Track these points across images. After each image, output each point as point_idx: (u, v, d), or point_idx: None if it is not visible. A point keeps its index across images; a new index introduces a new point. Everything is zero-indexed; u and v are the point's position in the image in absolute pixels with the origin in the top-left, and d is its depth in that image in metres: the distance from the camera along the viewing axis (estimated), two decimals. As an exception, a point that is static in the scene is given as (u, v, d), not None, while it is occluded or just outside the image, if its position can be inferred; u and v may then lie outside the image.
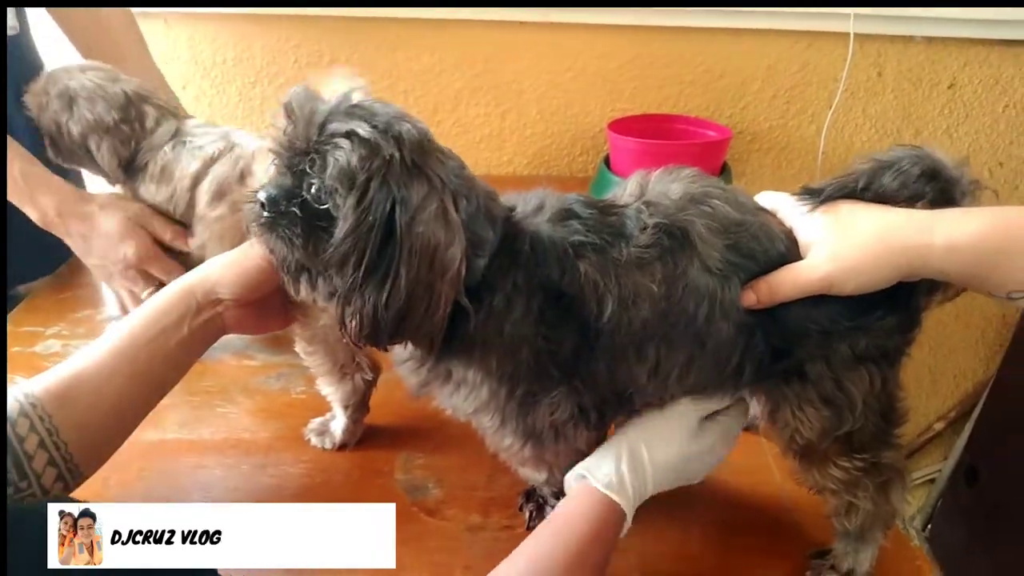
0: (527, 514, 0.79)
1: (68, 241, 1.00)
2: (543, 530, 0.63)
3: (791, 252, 0.64)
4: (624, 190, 0.68)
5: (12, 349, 1.04)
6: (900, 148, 0.65)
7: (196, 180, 0.94)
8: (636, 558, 0.75)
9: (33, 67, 1.11)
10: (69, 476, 0.64)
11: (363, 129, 0.54)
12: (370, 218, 0.54)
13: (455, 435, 0.91)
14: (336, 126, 0.55)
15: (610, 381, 0.65)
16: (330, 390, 0.85)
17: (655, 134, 1.52)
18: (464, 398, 0.67)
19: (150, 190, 0.98)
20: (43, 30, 1.21)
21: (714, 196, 0.64)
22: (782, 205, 0.67)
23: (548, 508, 0.78)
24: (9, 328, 1.09)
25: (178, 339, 0.71)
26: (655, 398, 0.69)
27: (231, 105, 1.66)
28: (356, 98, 0.57)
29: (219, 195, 0.93)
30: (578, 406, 0.66)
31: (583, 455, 0.69)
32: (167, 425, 0.92)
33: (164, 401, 0.94)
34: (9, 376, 0.93)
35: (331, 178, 0.54)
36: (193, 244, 0.97)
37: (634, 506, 0.65)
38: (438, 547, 0.75)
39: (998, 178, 1.75)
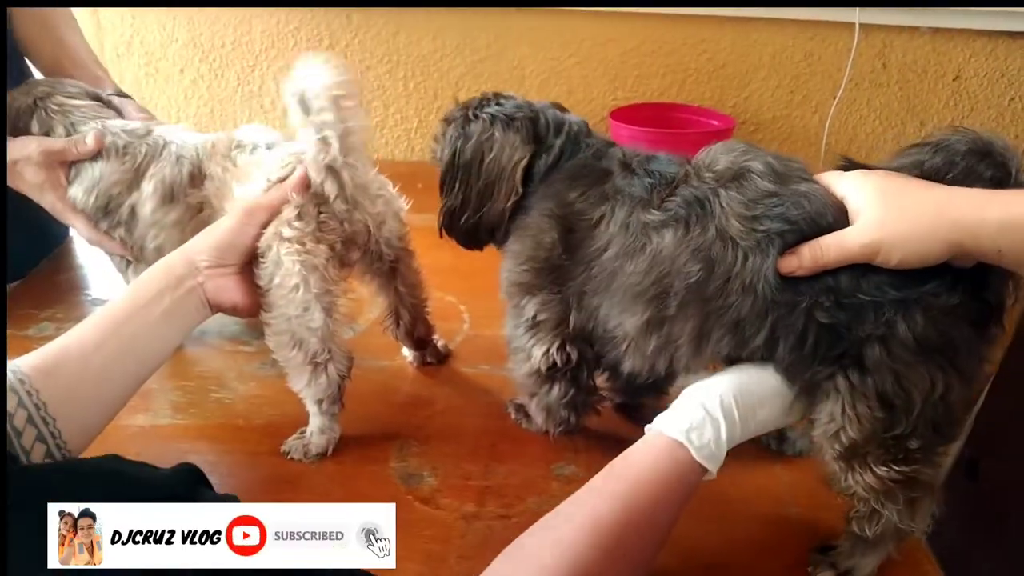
0: (520, 423, 0.89)
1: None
2: (617, 485, 0.61)
3: (839, 221, 0.61)
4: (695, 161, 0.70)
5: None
6: (946, 130, 0.63)
7: (130, 184, 0.92)
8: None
9: None
10: (58, 452, 0.63)
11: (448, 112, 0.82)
12: (447, 151, 0.80)
13: (451, 424, 0.91)
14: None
15: (604, 321, 0.72)
16: (302, 385, 0.82)
17: (658, 123, 1.51)
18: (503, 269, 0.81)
19: (78, 195, 0.94)
20: None
21: (754, 171, 0.64)
22: (831, 177, 0.65)
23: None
24: (2, 311, 1.08)
25: (161, 310, 0.72)
26: (661, 366, 0.70)
27: (229, 89, 1.65)
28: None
29: (168, 198, 0.90)
30: (566, 330, 0.76)
31: (541, 376, 0.78)
32: (160, 410, 0.91)
33: (156, 386, 0.95)
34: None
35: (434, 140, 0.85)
36: (150, 247, 0.93)
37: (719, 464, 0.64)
38: (432, 536, 0.75)
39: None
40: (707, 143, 1.40)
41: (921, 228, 0.57)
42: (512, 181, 0.77)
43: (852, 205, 0.62)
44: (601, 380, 0.85)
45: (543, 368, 0.78)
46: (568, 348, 0.77)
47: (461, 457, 0.85)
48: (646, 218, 0.67)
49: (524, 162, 0.77)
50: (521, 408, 0.89)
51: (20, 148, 0.92)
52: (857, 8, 1.50)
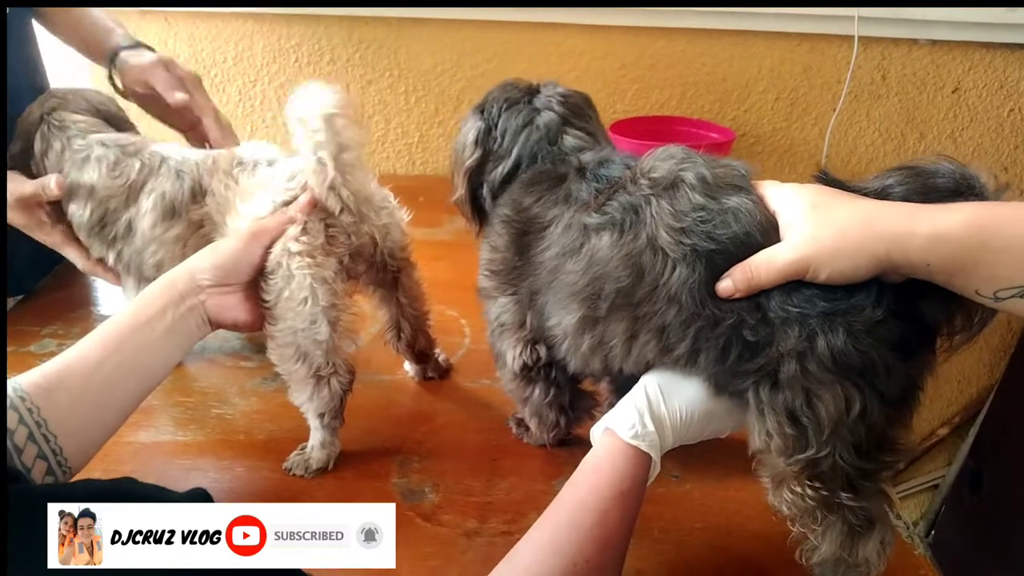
0: (522, 437, 0.90)
1: None
2: (567, 490, 0.63)
3: (768, 238, 0.61)
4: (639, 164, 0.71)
5: (8, 348, 1.03)
6: (928, 158, 0.61)
7: (126, 199, 0.92)
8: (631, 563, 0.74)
9: None
10: (59, 469, 0.63)
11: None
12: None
13: (452, 439, 0.90)
14: None
15: (548, 318, 0.73)
16: (304, 398, 0.82)
17: (657, 136, 1.51)
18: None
19: (75, 211, 0.94)
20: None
21: (686, 181, 0.64)
22: (768, 188, 0.65)
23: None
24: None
25: (163, 328, 0.72)
26: (597, 365, 0.72)
27: (231, 104, 1.66)
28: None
29: (169, 214, 0.90)
30: (526, 331, 0.78)
31: (518, 378, 0.80)
32: (162, 426, 0.91)
33: (158, 402, 0.95)
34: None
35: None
36: (149, 262, 0.92)
37: (660, 452, 0.65)
38: (434, 552, 0.74)
39: (1001, 182, 1.73)
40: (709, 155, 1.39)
41: (850, 243, 0.57)
42: (459, 178, 0.83)
43: (783, 219, 0.61)
44: (603, 385, 0.85)
45: (516, 369, 0.80)
46: (536, 347, 0.78)
47: (462, 473, 0.85)
48: (586, 220, 0.68)
49: (470, 163, 0.82)
50: (522, 422, 0.89)
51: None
52: (856, 20, 1.50)
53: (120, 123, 1.02)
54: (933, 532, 1.95)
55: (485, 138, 0.81)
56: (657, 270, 0.63)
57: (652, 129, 1.53)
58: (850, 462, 0.61)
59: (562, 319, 0.71)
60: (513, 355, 0.80)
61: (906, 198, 0.59)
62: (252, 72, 1.63)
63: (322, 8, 1.54)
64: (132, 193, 0.91)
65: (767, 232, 0.62)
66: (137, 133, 1.02)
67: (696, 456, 0.89)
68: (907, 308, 0.59)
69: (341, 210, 0.78)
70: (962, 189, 0.58)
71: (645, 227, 0.64)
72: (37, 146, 0.95)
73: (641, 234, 0.64)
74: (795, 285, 0.60)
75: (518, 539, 0.75)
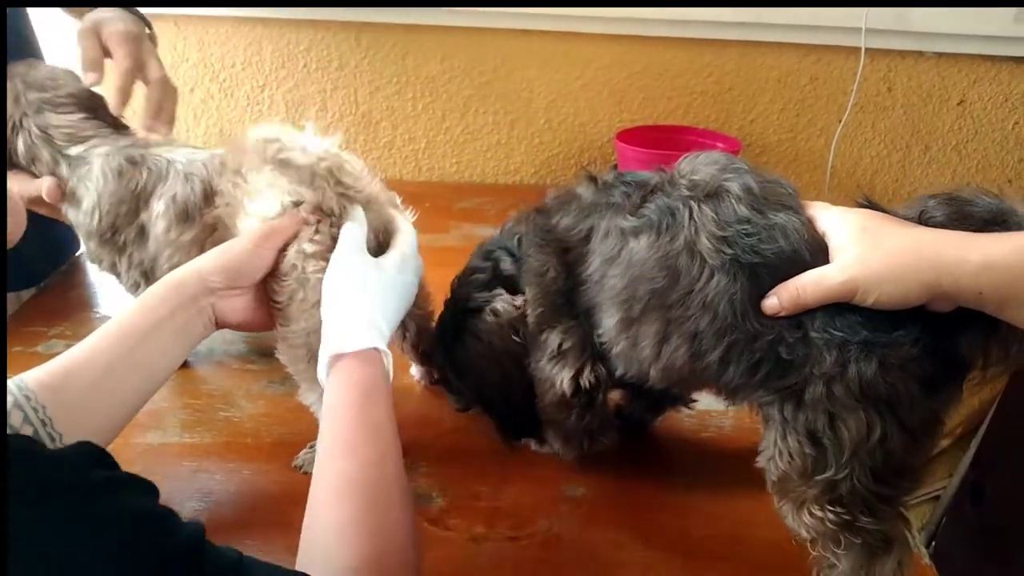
0: (530, 445, 0.89)
1: None
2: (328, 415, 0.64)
3: (816, 259, 0.61)
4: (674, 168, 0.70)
5: (14, 349, 1.03)
6: (968, 190, 0.61)
7: (137, 205, 0.90)
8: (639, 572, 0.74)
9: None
10: None
11: None
12: None
13: (460, 445, 0.90)
14: None
15: (598, 326, 0.72)
16: (314, 398, 0.82)
17: (664, 145, 1.51)
18: None
19: (78, 219, 0.92)
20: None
21: (731, 191, 0.64)
22: (818, 210, 0.64)
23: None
24: (11, 327, 1.09)
25: (171, 329, 0.71)
26: (636, 368, 0.71)
27: (239, 109, 1.66)
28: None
29: (183, 217, 0.89)
30: (589, 352, 0.75)
31: (565, 402, 0.77)
32: (169, 428, 0.91)
33: (166, 404, 0.95)
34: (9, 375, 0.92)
35: None
36: (164, 267, 0.90)
37: (384, 344, 0.69)
38: (441, 558, 0.74)
39: (1007, 196, 1.74)
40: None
41: (900, 267, 0.57)
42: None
43: (834, 241, 0.61)
44: (617, 395, 0.85)
45: (568, 393, 0.76)
46: (596, 368, 0.76)
47: (470, 478, 0.85)
48: (622, 224, 0.68)
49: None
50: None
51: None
52: (863, 32, 1.51)
53: (104, 113, 0.95)
54: (934, 543, 1.94)
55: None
56: (693, 275, 0.63)
57: (658, 138, 1.54)
58: (867, 486, 0.61)
59: (606, 323, 0.71)
60: (568, 378, 0.76)
61: (944, 224, 0.59)
62: (261, 77, 1.63)
63: (330, 12, 1.55)
64: (143, 198, 0.89)
65: (815, 252, 0.61)
66: (125, 125, 0.97)
67: (705, 465, 0.89)
68: (945, 344, 0.59)
69: (345, 212, 0.78)
70: (998, 220, 0.58)
71: (684, 230, 0.64)
72: (20, 150, 0.90)
73: (679, 236, 0.64)
74: (840, 309, 0.59)
75: (525, 545, 0.75)
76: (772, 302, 0.61)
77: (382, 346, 0.69)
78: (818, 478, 0.62)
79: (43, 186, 0.89)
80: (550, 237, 0.75)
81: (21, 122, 0.89)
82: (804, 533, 0.65)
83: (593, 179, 0.74)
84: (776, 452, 0.64)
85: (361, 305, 0.71)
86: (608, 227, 0.70)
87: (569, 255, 0.74)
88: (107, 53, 0.95)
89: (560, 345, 0.75)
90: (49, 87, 0.91)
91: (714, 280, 0.62)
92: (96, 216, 0.90)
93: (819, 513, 0.63)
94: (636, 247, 0.66)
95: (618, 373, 0.75)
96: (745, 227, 0.62)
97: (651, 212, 0.66)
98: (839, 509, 0.62)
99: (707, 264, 0.62)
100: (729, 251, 0.62)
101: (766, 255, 0.61)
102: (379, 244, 0.85)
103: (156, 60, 0.99)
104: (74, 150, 0.90)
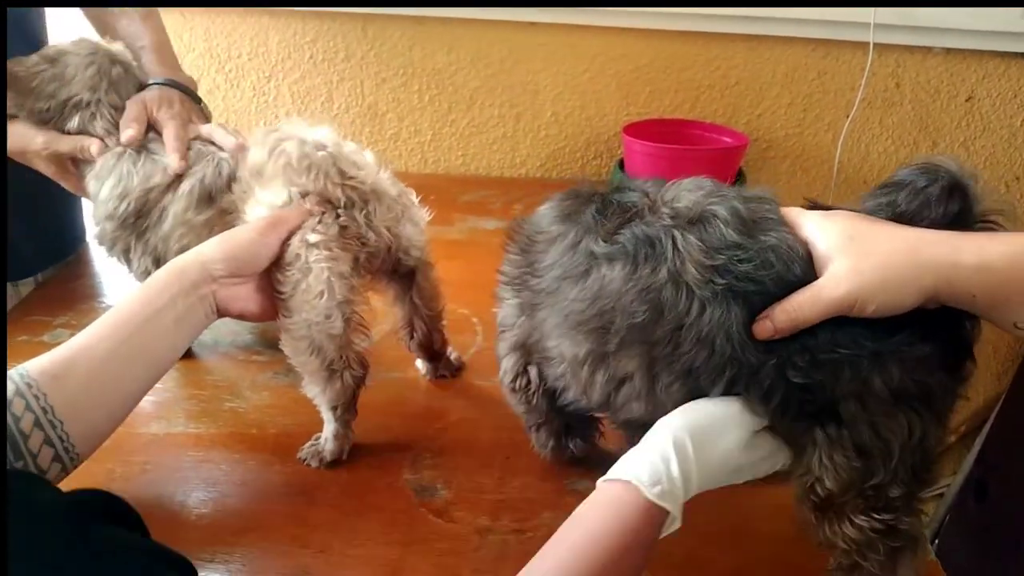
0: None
1: None
2: (575, 535, 0.57)
3: (806, 273, 0.58)
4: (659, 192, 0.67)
5: (20, 338, 1.04)
6: (908, 168, 0.61)
7: (168, 187, 0.91)
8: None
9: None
10: (66, 456, 0.63)
11: None
12: None
13: (464, 437, 0.90)
14: None
15: (547, 336, 0.70)
16: (317, 391, 0.82)
17: (670, 139, 1.51)
18: None
19: (101, 194, 0.92)
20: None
21: (718, 216, 0.60)
22: (796, 215, 0.62)
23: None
24: (17, 317, 1.09)
25: (172, 317, 0.71)
26: (601, 400, 0.68)
27: (245, 99, 1.66)
28: None
29: (205, 199, 0.90)
30: (516, 333, 0.74)
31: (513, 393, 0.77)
32: (174, 418, 0.91)
33: (171, 394, 0.95)
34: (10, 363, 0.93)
35: None
36: (174, 248, 0.92)
37: (680, 509, 0.59)
38: (446, 549, 0.74)
39: (1014, 192, 1.73)
40: (721, 160, 1.40)
41: (895, 275, 0.55)
42: None
43: (818, 250, 0.59)
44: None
45: (506, 380, 0.77)
46: (527, 370, 0.76)
47: (475, 470, 0.85)
48: (593, 247, 0.64)
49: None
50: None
51: (27, 139, 0.92)
52: (871, 27, 1.50)
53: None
54: (937, 541, 1.94)
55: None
56: (681, 309, 0.59)
57: (665, 132, 1.53)
58: (910, 484, 0.61)
59: (563, 347, 0.68)
60: (505, 368, 0.77)
61: (908, 207, 0.60)
62: (267, 68, 1.63)
63: (337, 5, 1.55)
64: (176, 182, 0.90)
65: (804, 266, 0.59)
66: None
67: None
68: (953, 331, 0.59)
69: (349, 202, 0.78)
70: (947, 189, 0.59)
71: (666, 261, 0.60)
72: (72, 123, 0.92)
73: (660, 269, 0.60)
74: (838, 323, 0.57)
75: (530, 537, 0.75)
76: (766, 325, 0.58)
77: (671, 506, 0.58)
78: (863, 487, 0.61)
79: (90, 145, 0.91)
80: (525, 227, 0.74)
81: (97, 102, 0.92)
82: (841, 544, 0.63)
83: (602, 197, 0.69)
84: (823, 472, 0.61)
85: None
86: (575, 241, 0.66)
87: (534, 245, 0.71)
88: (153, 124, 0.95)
89: (502, 320, 0.77)
90: (120, 83, 0.95)
91: (707, 313, 0.59)
92: (125, 202, 0.91)
93: (862, 522, 0.62)
94: (610, 276, 0.62)
95: (566, 398, 0.73)
96: (737, 252, 0.59)
97: (626, 240, 0.62)
98: (886, 516, 0.61)
99: (696, 296, 0.59)
100: (721, 280, 0.58)
101: (762, 280, 0.58)
102: (389, 250, 0.85)
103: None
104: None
